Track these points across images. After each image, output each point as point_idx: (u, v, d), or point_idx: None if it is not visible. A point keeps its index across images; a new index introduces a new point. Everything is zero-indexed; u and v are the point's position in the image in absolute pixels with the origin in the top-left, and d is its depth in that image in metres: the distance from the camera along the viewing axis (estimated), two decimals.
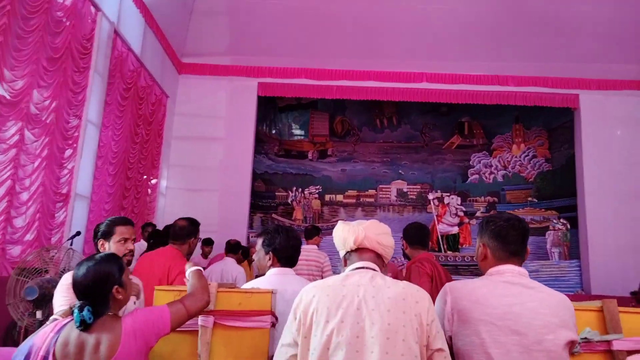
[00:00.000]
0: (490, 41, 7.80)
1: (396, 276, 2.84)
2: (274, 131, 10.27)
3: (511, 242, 1.66)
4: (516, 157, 9.86)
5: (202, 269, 1.99)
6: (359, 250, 1.63)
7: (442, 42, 7.79)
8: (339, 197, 10.04)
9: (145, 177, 7.17)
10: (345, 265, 1.65)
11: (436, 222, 8.99)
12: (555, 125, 9.49)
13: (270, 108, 9.97)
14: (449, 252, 8.76)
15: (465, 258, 8.99)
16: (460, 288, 1.64)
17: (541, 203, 9.48)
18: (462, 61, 8.03)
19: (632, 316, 1.83)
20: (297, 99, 9.45)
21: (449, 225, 9.01)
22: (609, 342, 1.77)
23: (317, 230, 5.18)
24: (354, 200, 10.04)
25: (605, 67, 7.98)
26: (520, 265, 1.67)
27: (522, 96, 8.17)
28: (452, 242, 8.92)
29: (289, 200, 9.75)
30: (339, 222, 1.71)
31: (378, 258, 1.63)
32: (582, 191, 8.10)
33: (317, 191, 9.86)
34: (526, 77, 8.10)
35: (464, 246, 8.97)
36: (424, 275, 2.90)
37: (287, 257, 2.19)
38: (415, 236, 3.21)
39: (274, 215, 9.64)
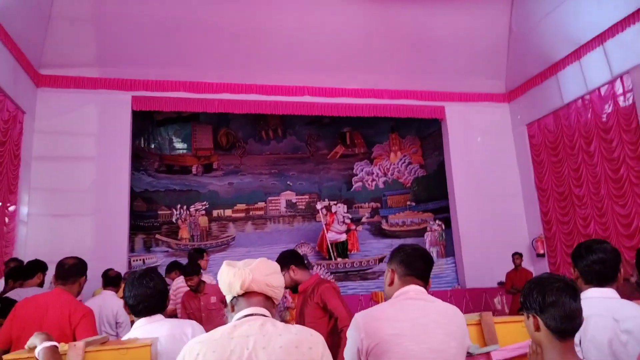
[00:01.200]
0: (365, 56, 8.13)
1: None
2: (153, 146, 9.64)
3: (417, 269, 1.82)
4: (394, 164, 10.43)
5: (56, 345, 1.66)
6: (247, 295, 1.51)
7: (321, 56, 7.94)
8: (228, 212, 9.74)
9: (0, 204, 6.22)
10: (233, 311, 1.52)
11: (325, 231, 9.13)
12: (426, 134, 10.23)
13: (147, 122, 9.35)
14: (339, 259, 8.94)
15: (355, 264, 9.25)
16: (368, 312, 1.74)
17: (418, 206, 10.13)
18: (340, 75, 8.28)
19: (505, 325, 1.95)
20: (176, 112, 8.96)
21: (337, 233, 9.21)
22: (488, 354, 1.85)
23: (201, 254, 4.95)
24: (243, 214, 9.81)
25: (466, 81, 8.79)
26: (423, 287, 1.83)
27: (396, 108, 8.66)
28: (341, 249, 9.13)
29: (174, 219, 9.21)
30: (224, 263, 1.58)
31: (268, 301, 1.53)
32: (453, 194, 8.79)
33: (203, 207, 9.46)
34: (398, 91, 8.60)
35: (352, 252, 9.22)
36: (338, 295, 2.84)
37: (148, 306, 1.97)
38: (299, 258, 3.10)
39: (157, 236, 9.04)
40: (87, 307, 2.82)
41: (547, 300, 1.43)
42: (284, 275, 2.89)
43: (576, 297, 1.45)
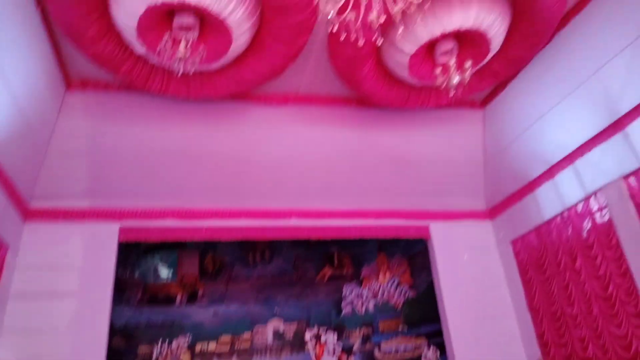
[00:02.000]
0: (351, 178, 8.48)
1: None
2: (137, 274, 9.35)
3: None
4: (383, 285, 10.20)
5: None
6: None
7: (308, 180, 8.25)
8: (212, 346, 9.13)
9: None
10: None
11: None
12: (413, 253, 10.18)
13: (133, 250, 9.16)
14: None
15: None
16: None
17: (411, 330, 9.68)
18: (327, 197, 8.51)
19: None
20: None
21: None
22: None
23: None
24: (228, 348, 9.20)
25: (448, 200, 9.09)
26: None
27: (382, 229, 8.80)
28: None
29: (154, 357, 8.56)
30: None
31: None
32: (445, 316, 8.55)
33: (186, 342, 8.88)
34: (384, 211, 8.81)
35: None
36: None
37: None
38: None
39: None
40: None
41: None
42: None
43: None
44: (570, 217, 7.47)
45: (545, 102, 7.34)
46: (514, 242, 8.79)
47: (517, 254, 8.70)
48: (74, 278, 7.20)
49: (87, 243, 7.46)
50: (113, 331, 8.10)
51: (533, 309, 8.24)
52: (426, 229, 9.00)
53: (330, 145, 8.16)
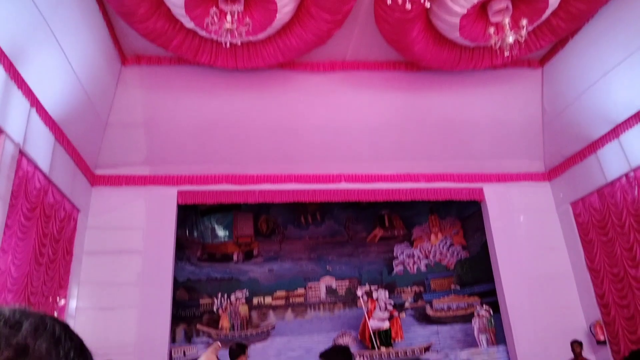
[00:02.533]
0: (399, 143, 8.37)
1: None
2: (195, 235, 9.95)
3: None
4: (435, 246, 10.25)
5: None
6: None
7: (357, 146, 8.23)
8: (268, 300, 9.70)
9: (50, 299, 6.50)
10: None
11: (367, 319, 8.88)
12: (466, 215, 10.10)
13: (192, 212, 9.73)
14: (382, 349, 8.59)
15: (399, 353, 8.86)
16: None
17: (464, 289, 9.77)
18: (376, 162, 8.48)
19: None
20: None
21: (379, 321, 8.93)
22: None
23: (242, 349, 4.91)
24: (283, 302, 9.73)
25: (504, 162, 8.80)
26: None
27: (433, 191, 8.69)
28: (384, 337, 8.79)
29: (215, 308, 9.25)
30: None
31: None
32: (499, 276, 8.48)
33: (244, 296, 9.47)
34: (435, 174, 8.68)
35: (396, 341, 8.87)
36: None
37: None
38: (349, 358, 3.13)
39: (198, 326, 9.04)
40: None
41: None
42: None
43: None
44: (637, 177, 7.07)
45: (609, 59, 6.80)
46: (574, 204, 8.45)
47: (577, 216, 8.39)
48: (139, 237, 7.77)
49: (149, 206, 7.96)
50: (177, 285, 8.79)
51: (593, 270, 8.01)
52: (480, 191, 8.83)
53: (379, 110, 8.06)
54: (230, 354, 4.89)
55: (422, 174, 8.62)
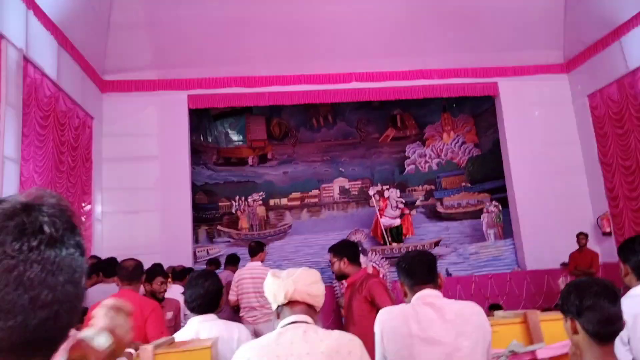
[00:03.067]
0: (412, 38, 7.98)
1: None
2: (210, 140, 10.05)
3: (420, 275, 1.93)
4: (447, 144, 10.23)
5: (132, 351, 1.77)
6: (290, 304, 1.64)
7: (367, 41, 7.88)
8: (284, 201, 10.00)
9: (76, 205, 6.79)
10: (278, 318, 1.67)
11: (379, 216, 9.16)
12: (479, 112, 9.93)
13: (204, 117, 9.73)
14: (393, 244, 8.97)
15: (410, 248, 9.26)
16: (388, 312, 1.91)
17: (474, 187, 9.91)
18: (387, 59, 8.18)
19: (552, 323, 1.95)
20: (230, 106, 9.25)
21: (391, 218, 9.20)
22: (533, 352, 1.88)
23: (260, 246, 5.15)
24: (298, 203, 10.05)
25: (520, 54, 8.41)
26: (435, 289, 1.93)
27: (447, 88, 8.47)
28: (396, 234, 9.12)
29: (233, 210, 9.61)
30: (269, 274, 1.71)
31: (310, 309, 1.66)
32: (509, 173, 8.52)
33: (260, 198, 9.77)
34: (448, 70, 8.39)
35: (407, 237, 9.21)
36: (386, 290, 2.99)
37: (201, 305, 2.23)
38: (356, 253, 3.30)
39: (219, 227, 9.47)
40: (155, 302, 3.32)
41: (585, 304, 1.43)
42: (334, 263, 3.14)
43: (616, 301, 1.44)
44: None
45: None
46: (591, 96, 8.19)
47: (593, 109, 8.17)
48: (154, 143, 7.86)
49: (160, 111, 7.95)
50: (195, 189, 9.08)
51: (605, 164, 7.98)
52: (494, 86, 8.57)
53: (389, 3, 7.60)
54: (250, 251, 5.15)
55: (435, 69, 8.34)
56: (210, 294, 2.22)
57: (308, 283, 1.65)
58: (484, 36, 8.11)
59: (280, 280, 1.65)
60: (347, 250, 3.22)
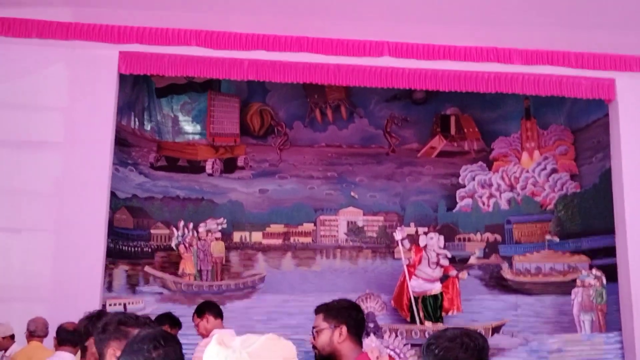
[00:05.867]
0: None
1: None
2: (148, 127, 10.01)
3: None
4: (527, 171, 10.17)
5: None
6: None
7: None
8: (256, 236, 9.94)
9: None
10: None
11: (407, 276, 9.03)
12: (583, 124, 9.92)
13: (143, 89, 9.72)
14: (427, 324, 8.82)
15: None
16: None
17: (565, 243, 9.84)
18: (443, 26, 8.24)
19: None
20: (186, 77, 9.23)
21: (427, 281, 9.09)
22: None
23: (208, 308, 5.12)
24: (280, 242, 9.98)
25: None
26: None
27: (533, 80, 8.44)
28: (432, 307, 8.98)
29: (173, 243, 9.50)
30: (213, 340, 1.70)
31: None
32: (623, 225, 8.41)
33: (219, 227, 9.68)
34: (538, 51, 8.38)
35: (450, 313, 9.10)
36: None
37: None
38: (361, 325, 3.26)
39: (147, 269, 9.35)
40: None
41: None
42: (322, 331, 3.09)
43: None
44: None
45: None
46: None
47: None
48: (57, 124, 7.79)
49: (73, 73, 7.88)
50: (116, 203, 8.96)
51: None
52: (610, 85, 8.53)
53: None
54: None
55: (516, 49, 8.33)
56: None
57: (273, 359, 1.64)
58: (594, 5, 8.12)
59: (229, 352, 1.63)
60: (348, 314, 3.18)
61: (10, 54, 7.77)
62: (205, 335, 5.44)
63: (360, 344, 3.20)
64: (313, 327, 3.26)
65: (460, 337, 1.97)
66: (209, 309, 6.15)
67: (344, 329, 3.11)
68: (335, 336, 3.09)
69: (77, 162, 7.80)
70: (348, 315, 3.17)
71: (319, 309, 3.22)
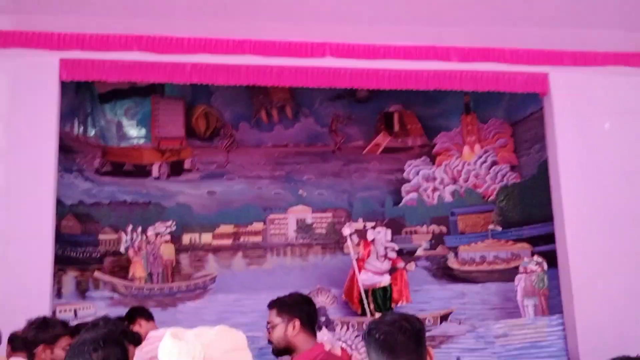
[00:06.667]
0: None
1: None
2: (92, 133, 9.89)
3: (401, 350, 2.04)
4: (469, 164, 10.39)
5: None
6: None
7: None
8: (206, 238, 9.89)
9: None
10: None
11: (356, 270, 9.14)
12: (520, 117, 10.18)
13: (85, 96, 9.59)
14: (377, 315, 8.91)
15: None
16: None
17: (507, 232, 10.07)
18: (383, 24, 8.35)
19: None
20: (129, 81, 9.17)
21: (376, 274, 9.18)
22: None
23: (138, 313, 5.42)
24: (230, 242, 9.96)
25: (583, 34, 8.69)
26: None
27: (472, 76, 8.63)
28: (382, 298, 9.10)
29: (122, 248, 9.42)
30: (166, 334, 1.79)
31: None
32: (561, 213, 8.71)
33: (168, 230, 9.63)
34: (475, 49, 8.59)
35: (399, 304, 9.21)
36: None
37: None
38: (314, 317, 3.41)
39: (97, 274, 9.25)
40: None
41: None
42: (276, 326, 3.18)
43: None
44: None
45: None
46: None
47: None
48: None
49: (13, 81, 7.83)
50: (62, 210, 8.86)
51: None
52: (544, 79, 8.81)
53: None
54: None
55: (454, 47, 8.53)
56: None
57: (227, 349, 1.73)
58: (532, 1, 8.36)
59: (183, 344, 1.70)
60: (300, 307, 3.31)
61: None
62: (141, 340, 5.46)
63: (314, 335, 3.32)
64: (267, 323, 3.35)
65: (399, 321, 2.08)
66: (138, 314, 6.17)
67: (297, 322, 3.21)
68: (289, 330, 3.20)
69: (22, 170, 7.72)
70: (300, 309, 3.29)
71: (272, 304, 3.32)
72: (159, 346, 1.79)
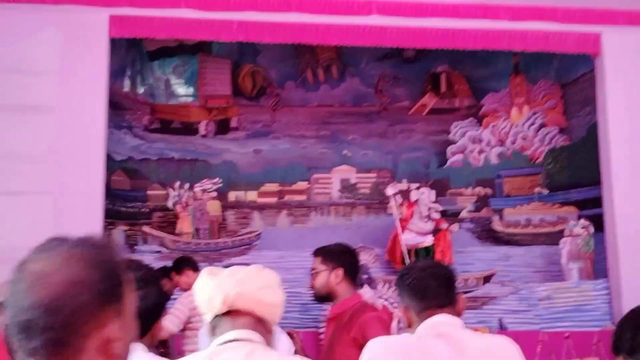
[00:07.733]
0: None
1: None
2: (141, 90, 10.04)
3: (433, 294, 2.10)
4: (517, 125, 10.24)
5: None
6: (231, 314, 1.73)
7: None
8: (252, 195, 10.02)
9: None
10: (213, 334, 1.75)
11: (399, 230, 9.14)
12: (571, 79, 9.95)
13: (134, 54, 9.72)
14: None
15: None
16: (382, 344, 2.10)
17: (554, 196, 9.94)
18: None
19: None
20: (177, 39, 9.25)
21: (419, 234, 9.19)
22: None
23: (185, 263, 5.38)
24: (275, 200, 10.07)
25: None
26: (453, 315, 2.12)
27: (521, 35, 8.44)
28: (424, 258, 9.08)
29: (170, 203, 9.61)
30: (202, 272, 1.84)
31: (259, 323, 1.75)
32: (609, 177, 8.53)
33: (215, 187, 9.77)
34: (526, 7, 8.39)
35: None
36: (389, 332, 3.10)
37: None
38: (356, 268, 3.42)
39: (145, 228, 9.48)
40: None
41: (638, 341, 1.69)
42: (319, 273, 3.23)
43: None
44: None
45: None
46: None
47: None
48: (50, 87, 7.79)
49: (64, 37, 7.87)
50: (112, 166, 9.05)
51: None
52: (595, 39, 8.57)
53: None
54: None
55: (504, 5, 8.33)
56: (140, 311, 2.24)
57: (259, 286, 1.74)
58: None
59: (218, 280, 1.74)
60: (345, 258, 3.39)
61: (4, 20, 7.80)
62: (188, 289, 5.55)
63: (355, 286, 3.38)
64: (311, 269, 3.41)
65: (430, 267, 2.14)
66: (185, 264, 6.31)
67: (341, 271, 3.28)
68: (332, 278, 3.28)
69: (73, 126, 7.86)
70: (344, 259, 3.37)
71: (318, 252, 3.40)
72: (195, 285, 1.84)
